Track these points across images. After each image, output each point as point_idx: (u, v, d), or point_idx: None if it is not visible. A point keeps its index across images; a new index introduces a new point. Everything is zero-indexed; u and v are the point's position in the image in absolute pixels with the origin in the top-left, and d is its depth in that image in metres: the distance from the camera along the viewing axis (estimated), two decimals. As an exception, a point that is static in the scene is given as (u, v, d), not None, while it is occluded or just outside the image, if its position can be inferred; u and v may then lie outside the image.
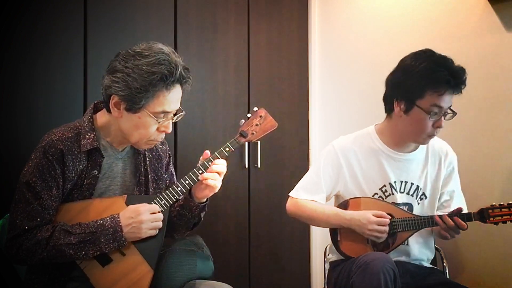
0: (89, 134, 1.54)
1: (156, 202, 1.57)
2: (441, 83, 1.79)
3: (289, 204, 2.05)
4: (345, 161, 2.00)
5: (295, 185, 2.08)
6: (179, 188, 1.58)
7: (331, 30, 3.08)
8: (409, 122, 1.89)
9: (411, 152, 2.00)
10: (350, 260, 1.85)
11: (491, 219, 1.84)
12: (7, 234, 1.50)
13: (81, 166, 1.53)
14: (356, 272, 1.71)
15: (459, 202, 2.02)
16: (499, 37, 2.34)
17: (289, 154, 3.01)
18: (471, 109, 2.41)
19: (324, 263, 2.19)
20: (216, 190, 1.62)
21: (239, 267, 2.80)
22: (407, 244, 1.98)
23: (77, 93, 2.21)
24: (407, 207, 1.98)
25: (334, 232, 1.98)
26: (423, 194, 2.00)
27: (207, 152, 1.62)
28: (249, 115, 1.66)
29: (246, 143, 2.76)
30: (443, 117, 1.84)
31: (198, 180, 1.59)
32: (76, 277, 1.53)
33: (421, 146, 2.02)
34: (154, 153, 1.70)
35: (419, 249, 2.01)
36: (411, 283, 1.88)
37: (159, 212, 1.55)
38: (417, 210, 1.99)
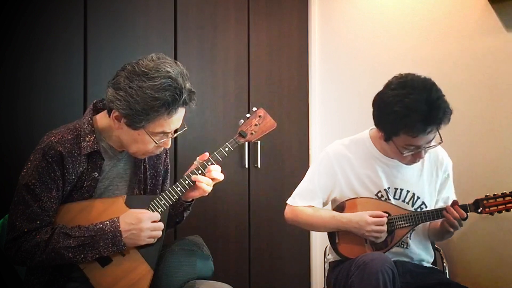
0: (89, 136, 1.53)
1: (156, 202, 1.57)
2: (412, 128, 1.73)
3: (287, 212, 2.06)
4: (340, 167, 2.00)
5: (295, 185, 2.08)
6: (178, 188, 1.58)
7: (331, 30, 3.08)
8: (390, 149, 1.90)
9: None
10: (349, 261, 1.85)
11: (486, 209, 1.87)
12: (6, 235, 1.50)
13: (81, 169, 1.53)
14: (355, 272, 1.71)
15: None
16: (499, 37, 2.34)
17: (289, 154, 3.01)
18: (471, 109, 2.41)
19: (324, 264, 2.19)
20: (206, 194, 1.62)
21: (239, 267, 2.80)
22: (407, 247, 1.99)
23: (77, 93, 2.21)
24: None
25: (332, 235, 1.98)
26: (423, 203, 1.99)
27: (206, 154, 1.62)
28: (248, 115, 1.66)
29: (246, 143, 2.76)
30: (423, 150, 1.82)
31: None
32: (76, 277, 1.54)
33: None
34: None
35: (419, 252, 2.01)
36: (411, 282, 1.88)
37: (159, 221, 1.54)
38: None
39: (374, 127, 2.04)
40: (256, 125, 1.65)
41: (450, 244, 2.39)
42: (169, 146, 1.57)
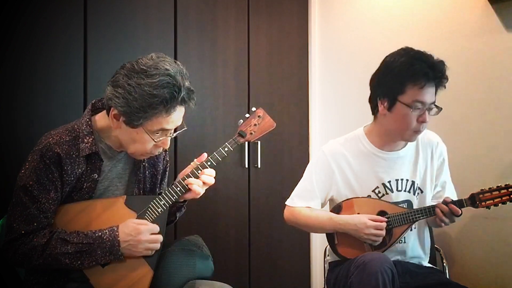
0: (87, 137, 1.52)
1: (156, 202, 1.57)
2: (420, 75, 1.79)
3: (286, 213, 2.07)
4: (336, 165, 2.00)
5: (295, 185, 2.09)
6: (178, 188, 1.58)
7: (331, 30, 3.08)
8: (394, 119, 1.89)
9: (401, 149, 2.00)
10: (348, 261, 1.85)
11: (483, 203, 1.87)
12: (4, 237, 1.50)
13: (79, 170, 1.52)
14: (354, 272, 1.71)
15: (451, 192, 2.04)
16: (499, 37, 2.34)
17: (289, 154, 3.01)
18: (471, 109, 2.41)
19: (324, 264, 2.19)
20: (197, 197, 1.61)
21: (239, 267, 2.80)
22: (404, 242, 1.99)
23: (77, 93, 2.21)
24: (406, 204, 1.98)
25: (331, 236, 1.98)
26: (419, 188, 2.00)
27: (205, 155, 1.62)
28: (247, 115, 1.67)
29: (246, 143, 2.76)
30: (427, 112, 1.85)
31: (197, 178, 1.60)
32: (76, 277, 1.54)
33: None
34: None
35: (415, 247, 2.01)
36: (410, 282, 1.88)
37: (159, 233, 1.54)
38: (416, 206, 1.99)
39: (366, 125, 2.05)
40: (255, 125, 1.66)
41: (450, 244, 2.39)
42: (168, 146, 1.57)
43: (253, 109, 1.68)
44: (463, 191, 2.09)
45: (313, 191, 2.01)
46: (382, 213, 1.93)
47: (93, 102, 1.62)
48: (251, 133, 1.65)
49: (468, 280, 2.30)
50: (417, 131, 1.88)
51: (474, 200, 1.87)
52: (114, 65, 1.54)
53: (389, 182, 1.98)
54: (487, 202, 1.86)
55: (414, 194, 1.99)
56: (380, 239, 1.87)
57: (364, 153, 2.00)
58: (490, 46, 2.37)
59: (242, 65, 2.83)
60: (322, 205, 2.06)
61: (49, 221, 1.51)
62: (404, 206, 1.98)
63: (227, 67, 2.76)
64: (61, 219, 1.53)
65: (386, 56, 1.93)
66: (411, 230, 1.98)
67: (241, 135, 1.64)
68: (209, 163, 1.60)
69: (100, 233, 1.49)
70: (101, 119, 1.58)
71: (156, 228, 1.54)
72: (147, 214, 1.57)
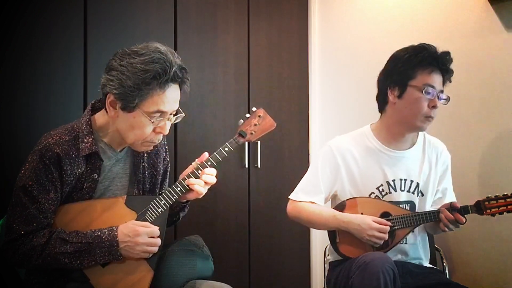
0: (87, 137, 1.52)
1: (156, 202, 1.57)
2: (429, 60, 1.88)
3: (289, 207, 2.06)
4: (343, 161, 2.00)
5: (295, 185, 2.08)
6: (178, 188, 1.58)
7: (331, 30, 3.08)
8: (405, 105, 1.91)
9: (407, 149, 2.01)
10: (349, 260, 1.85)
11: (488, 210, 1.87)
12: (4, 237, 1.50)
13: (79, 170, 1.52)
14: (355, 272, 1.71)
15: (451, 199, 2.03)
16: (499, 37, 2.34)
17: (289, 154, 3.01)
18: (471, 108, 2.41)
19: (324, 264, 2.19)
20: (200, 197, 1.61)
21: (239, 267, 2.80)
22: (406, 243, 1.99)
23: (77, 93, 2.21)
24: (409, 205, 1.98)
25: (333, 233, 1.98)
26: (421, 191, 2.00)
27: (206, 154, 1.62)
28: (247, 115, 1.66)
29: (246, 143, 2.76)
30: (437, 99, 1.89)
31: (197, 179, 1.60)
32: (76, 277, 1.53)
33: (417, 143, 2.02)
34: (152, 148, 1.69)
35: (416, 247, 2.02)
36: (411, 283, 1.88)
37: (158, 237, 1.53)
38: (417, 208, 1.99)
39: (373, 123, 2.05)
40: (255, 125, 1.65)
41: (450, 244, 2.39)
42: (167, 132, 1.55)
43: (254, 109, 1.67)
44: (461, 189, 2.10)
45: (318, 185, 2.00)
46: (385, 214, 1.92)
47: (92, 102, 1.62)
48: (251, 133, 1.65)
49: (468, 280, 2.30)
50: (428, 117, 1.90)
51: (479, 207, 1.87)
52: (114, 65, 1.54)
53: (393, 181, 1.98)
54: (493, 209, 1.87)
55: (416, 196, 1.99)
56: (382, 242, 1.87)
57: (371, 150, 2.00)
58: (490, 46, 2.37)
59: (242, 65, 2.82)
60: (326, 201, 2.05)
61: (48, 222, 1.51)
62: (406, 207, 1.97)
63: (227, 67, 2.76)
64: (61, 219, 1.53)
65: (393, 53, 2.00)
66: (412, 231, 1.98)
67: (242, 135, 1.64)
68: (209, 163, 1.60)
69: (99, 233, 1.49)
70: (100, 117, 1.58)
71: (155, 231, 1.53)
72: (147, 214, 1.56)
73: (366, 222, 1.87)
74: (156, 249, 1.53)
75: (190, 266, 1.61)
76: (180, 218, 1.76)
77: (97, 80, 2.15)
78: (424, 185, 2.01)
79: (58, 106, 2.16)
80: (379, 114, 2.06)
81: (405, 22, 2.71)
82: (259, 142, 2.83)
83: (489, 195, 1.88)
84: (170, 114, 1.53)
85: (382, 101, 2.01)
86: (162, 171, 1.73)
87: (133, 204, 1.56)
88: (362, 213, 1.93)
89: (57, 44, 2.16)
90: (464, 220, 1.85)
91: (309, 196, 2.01)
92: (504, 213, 1.86)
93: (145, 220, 1.56)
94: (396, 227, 1.91)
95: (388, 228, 1.87)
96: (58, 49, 2.16)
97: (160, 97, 1.46)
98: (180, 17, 2.55)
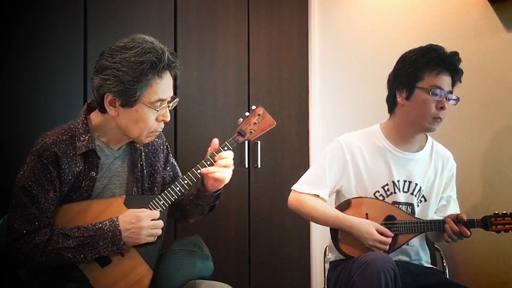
0: (83, 136, 1.52)
1: (155, 202, 1.57)
2: (436, 61, 1.87)
3: (291, 198, 2.04)
4: (351, 156, 2.00)
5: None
6: (177, 188, 1.58)
7: (331, 30, 3.08)
8: (413, 107, 1.91)
9: (416, 152, 2.01)
10: (350, 260, 1.85)
11: (494, 227, 1.87)
12: (5, 238, 1.50)
13: (77, 169, 1.52)
14: (356, 271, 1.71)
15: (454, 207, 2.05)
16: (499, 37, 2.34)
17: (289, 154, 3.01)
18: (471, 109, 2.41)
19: (324, 263, 2.19)
20: (226, 182, 1.62)
21: (239, 267, 2.80)
22: (408, 244, 1.99)
23: (77, 93, 2.21)
24: (410, 207, 1.98)
25: (335, 231, 1.97)
26: (423, 196, 2.00)
27: (215, 141, 1.61)
28: (247, 113, 1.65)
29: (246, 143, 2.76)
30: (445, 99, 1.88)
31: (198, 179, 1.59)
32: (75, 278, 1.53)
33: (425, 147, 2.02)
34: (150, 147, 1.69)
35: (418, 250, 2.02)
36: (411, 283, 1.88)
37: (159, 218, 1.54)
38: (417, 212, 1.99)
39: (382, 122, 2.05)
40: (255, 123, 1.64)
41: (450, 244, 2.38)
42: (168, 118, 1.55)
43: (253, 107, 1.67)
44: (462, 190, 2.10)
45: (324, 178, 1.99)
46: (390, 217, 1.92)
47: (88, 102, 1.62)
48: (251, 132, 1.64)
49: (468, 280, 2.30)
50: (437, 118, 1.90)
51: (486, 223, 1.87)
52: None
53: (398, 181, 1.98)
54: (498, 226, 1.87)
55: (418, 199, 1.99)
56: (382, 251, 1.86)
57: (379, 148, 2.00)
58: (490, 46, 2.37)
59: (242, 65, 2.82)
60: (330, 195, 2.04)
61: (49, 221, 1.51)
62: (407, 209, 1.98)
63: (227, 67, 2.75)
64: (60, 219, 1.53)
65: (402, 54, 2.00)
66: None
67: (241, 134, 1.63)
68: (208, 163, 1.60)
69: (100, 225, 1.49)
70: (95, 116, 1.58)
71: (156, 213, 1.54)
72: (146, 214, 1.56)
73: (370, 232, 1.86)
74: (160, 231, 1.54)
75: (190, 266, 1.61)
76: (216, 206, 1.75)
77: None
78: (427, 191, 2.01)
79: (58, 106, 2.16)
80: (380, 113, 2.06)
81: (405, 22, 2.71)
82: (259, 142, 2.83)
83: (497, 211, 1.88)
84: (168, 101, 1.54)
85: (391, 103, 2.01)
86: (161, 169, 1.73)
87: (132, 203, 1.56)
88: (367, 214, 1.92)
89: (57, 44, 2.16)
90: (469, 234, 1.85)
91: (313, 189, 1.99)
92: (510, 231, 1.87)
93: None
94: (399, 232, 1.90)
95: (389, 240, 1.86)
96: (58, 49, 2.16)
97: (158, 85, 1.48)
98: (180, 17, 2.55)
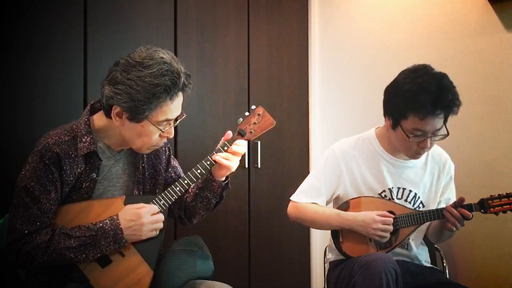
0: (85, 137, 1.52)
1: (155, 202, 1.57)
2: (421, 108, 1.75)
3: (290, 208, 2.05)
4: (346, 165, 2.00)
5: (295, 185, 2.08)
6: (177, 188, 1.58)
7: (331, 30, 3.08)
8: (396, 139, 1.91)
9: (410, 159, 2.00)
10: (351, 260, 1.85)
11: (491, 209, 1.86)
12: (6, 238, 1.50)
13: (78, 170, 1.52)
14: (357, 272, 1.71)
15: None
16: (499, 37, 2.34)
17: (289, 154, 3.01)
18: (471, 109, 2.41)
19: (324, 263, 2.19)
20: (233, 170, 1.63)
21: (239, 267, 2.80)
22: (407, 248, 2.00)
23: (77, 93, 2.21)
24: None
25: (336, 233, 1.97)
26: (421, 202, 2.00)
27: (229, 133, 1.62)
28: (247, 113, 1.65)
29: (246, 143, 2.75)
30: (429, 139, 1.82)
31: (197, 179, 1.59)
32: (75, 278, 1.53)
33: None
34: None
35: (419, 253, 2.02)
36: (411, 282, 1.88)
37: (158, 212, 1.55)
38: None
39: (379, 126, 2.05)
40: (255, 123, 1.64)
41: (450, 244, 2.39)
42: (172, 135, 1.56)
43: (253, 107, 1.67)
44: (462, 190, 2.09)
45: (319, 188, 2.00)
46: (389, 213, 1.92)
47: (91, 103, 1.62)
48: (250, 132, 1.64)
49: (468, 280, 2.30)
50: (419, 154, 1.89)
51: (483, 205, 1.87)
52: (114, 66, 1.54)
53: (392, 188, 1.98)
54: (496, 208, 1.86)
55: (413, 205, 1.99)
56: (387, 235, 1.86)
57: (374, 156, 2.00)
58: (490, 46, 2.37)
59: (242, 65, 2.83)
60: (327, 203, 2.05)
61: (50, 221, 1.51)
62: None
63: (227, 67, 2.76)
64: (61, 219, 1.53)
65: (401, 73, 1.89)
66: (412, 239, 1.98)
67: (241, 133, 1.63)
68: (208, 163, 1.60)
69: (101, 224, 1.49)
70: (99, 119, 1.57)
71: (155, 208, 1.54)
72: (147, 214, 1.56)
73: (370, 216, 1.86)
74: (161, 224, 1.54)
75: (190, 266, 1.61)
76: (223, 198, 1.74)
77: (97, 80, 2.15)
78: (425, 197, 2.00)
79: (58, 106, 2.16)
80: (380, 113, 2.03)
81: (405, 22, 2.71)
82: (259, 142, 2.83)
83: (493, 194, 1.87)
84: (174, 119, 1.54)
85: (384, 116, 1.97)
86: (163, 171, 1.73)
87: (132, 203, 1.56)
88: None
89: (57, 45, 2.16)
90: (471, 216, 1.84)
91: (310, 198, 2.01)
92: (508, 211, 1.86)
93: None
94: (400, 226, 1.90)
95: (391, 219, 1.86)
96: (58, 49, 2.16)
97: (168, 107, 1.48)
98: (180, 17, 2.55)
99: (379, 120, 2.09)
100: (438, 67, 2.50)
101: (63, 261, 1.48)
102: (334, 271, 1.98)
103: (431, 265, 2.08)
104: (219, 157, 1.58)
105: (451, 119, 2.44)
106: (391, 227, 1.86)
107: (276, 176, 2.93)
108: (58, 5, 2.16)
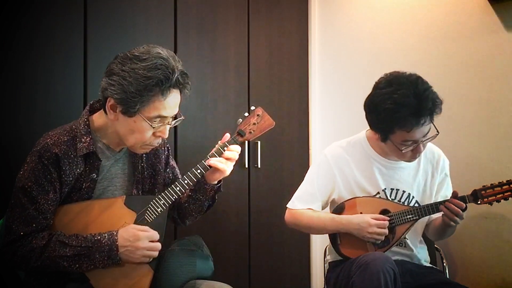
0: (85, 137, 1.52)
1: (156, 202, 1.57)
2: (405, 122, 1.76)
3: (287, 216, 2.07)
4: (338, 170, 2.01)
5: (295, 185, 2.09)
6: (177, 188, 1.58)
7: (331, 30, 3.08)
8: (389, 149, 1.91)
9: (402, 160, 2.00)
10: (350, 260, 1.86)
11: (485, 199, 1.86)
12: (3, 238, 1.50)
13: (78, 170, 1.52)
14: (356, 272, 1.71)
15: None
16: (499, 37, 2.34)
17: (289, 154, 3.01)
18: (471, 109, 2.41)
19: (324, 264, 2.19)
20: (226, 174, 1.62)
21: (239, 267, 2.80)
22: (405, 246, 2.00)
23: (77, 93, 2.21)
24: None
25: (334, 236, 1.98)
26: (416, 202, 2.00)
27: (227, 135, 1.63)
28: (246, 114, 1.66)
29: (246, 143, 2.76)
30: (421, 144, 1.83)
31: (197, 179, 1.59)
32: (75, 278, 1.53)
33: None
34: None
35: (417, 251, 2.02)
36: (411, 282, 1.88)
37: (158, 241, 1.53)
38: None
39: (369, 129, 2.04)
40: (254, 124, 1.65)
41: (450, 244, 2.39)
42: (166, 135, 1.55)
43: (252, 108, 1.67)
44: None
45: (314, 194, 2.02)
46: (384, 211, 1.93)
47: (91, 103, 1.62)
48: (250, 132, 1.65)
49: (468, 280, 2.30)
50: (414, 158, 1.89)
51: (476, 196, 1.86)
52: (114, 65, 1.54)
53: (385, 189, 1.99)
54: (489, 198, 1.86)
55: (407, 206, 1.98)
56: (383, 237, 1.87)
57: (366, 158, 2.01)
58: (490, 46, 2.37)
59: (242, 65, 2.83)
60: (323, 208, 2.06)
61: (48, 222, 1.51)
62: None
63: (227, 67, 2.76)
64: (60, 220, 1.53)
65: (374, 89, 1.87)
66: (407, 239, 1.98)
67: (240, 134, 1.64)
68: (208, 159, 1.61)
69: (99, 237, 1.49)
70: (98, 118, 1.58)
71: (155, 235, 1.53)
72: (146, 214, 1.56)
73: (365, 220, 1.87)
74: (156, 253, 1.53)
75: (190, 266, 1.61)
76: (216, 201, 1.75)
77: (97, 80, 2.15)
78: (419, 196, 2.01)
79: (58, 106, 2.16)
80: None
81: (405, 22, 2.71)
82: (259, 142, 2.83)
83: (485, 184, 1.87)
84: (170, 118, 1.53)
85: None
86: (162, 170, 1.73)
87: (132, 204, 1.56)
88: (361, 213, 1.93)
89: (57, 44, 2.16)
90: (465, 206, 1.83)
91: (306, 204, 2.02)
92: (501, 200, 1.86)
93: (144, 220, 1.56)
94: (396, 224, 1.91)
95: (386, 222, 1.87)
96: (58, 49, 2.16)
97: (161, 103, 1.47)
98: (180, 17, 2.55)
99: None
100: (438, 67, 2.52)
101: (56, 268, 1.48)
102: (333, 272, 1.98)
103: (431, 265, 2.08)
104: (214, 161, 1.58)
105: (452, 118, 2.45)
106: (386, 230, 1.87)
107: (276, 176, 2.93)
108: (58, 5, 2.16)
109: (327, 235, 2.01)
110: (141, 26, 2.42)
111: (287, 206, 2.07)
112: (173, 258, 1.60)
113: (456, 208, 1.83)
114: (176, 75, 1.46)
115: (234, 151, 1.61)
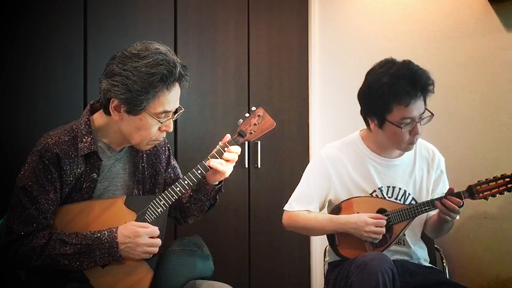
0: (86, 137, 1.52)
1: (156, 202, 1.57)
2: (402, 95, 1.78)
3: (284, 218, 2.07)
4: (334, 170, 2.01)
5: (295, 185, 2.09)
6: (178, 188, 1.58)
7: (331, 30, 3.08)
8: (386, 136, 1.91)
9: (397, 157, 2.01)
10: (348, 261, 1.85)
11: (480, 194, 1.86)
12: (3, 238, 1.50)
13: (79, 170, 1.52)
14: (354, 272, 1.71)
15: None
16: (499, 37, 2.34)
17: (289, 154, 3.01)
18: (471, 109, 2.41)
19: (324, 264, 2.19)
20: (226, 176, 1.63)
21: (239, 267, 2.80)
22: (404, 245, 2.00)
23: (77, 93, 2.21)
24: None
25: (332, 237, 1.98)
26: (413, 199, 2.00)
27: (227, 136, 1.63)
28: (247, 114, 1.66)
29: (246, 143, 2.76)
30: (418, 124, 1.84)
31: (198, 179, 1.59)
32: (75, 278, 1.53)
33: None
34: (151, 149, 1.69)
35: (416, 249, 2.02)
36: (410, 282, 1.88)
37: (158, 237, 1.54)
38: None
39: (363, 128, 2.06)
40: (255, 124, 1.65)
41: (450, 244, 2.39)
42: (171, 129, 1.56)
43: (253, 108, 1.68)
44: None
45: (311, 195, 2.02)
46: (381, 210, 1.93)
47: (91, 103, 1.62)
48: (251, 133, 1.65)
49: (468, 280, 2.30)
50: (412, 143, 1.89)
51: (471, 192, 1.86)
52: (114, 65, 1.54)
53: (381, 188, 1.99)
54: (485, 193, 1.86)
55: (404, 203, 1.99)
56: (380, 236, 1.87)
57: (361, 157, 2.01)
58: (490, 46, 2.37)
59: (242, 65, 2.83)
60: (320, 209, 2.06)
61: (48, 222, 1.51)
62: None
63: (227, 67, 2.76)
64: (61, 219, 1.53)
65: (368, 73, 1.93)
66: (404, 236, 1.98)
67: (241, 134, 1.64)
68: (208, 159, 1.61)
69: (99, 234, 1.49)
70: (99, 118, 1.58)
71: (155, 231, 1.53)
72: (147, 214, 1.57)
73: (362, 219, 1.87)
74: (156, 249, 1.53)
75: (190, 266, 1.62)
76: (217, 201, 1.75)
77: (97, 80, 2.15)
78: (416, 194, 2.01)
79: (58, 106, 2.16)
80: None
81: (405, 22, 2.71)
82: (259, 142, 2.83)
83: (480, 179, 1.87)
84: (173, 112, 1.54)
85: (365, 120, 1.99)
86: (163, 170, 1.73)
87: (133, 204, 1.56)
88: (358, 213, 1.93)
89: (57, 44, 2.16)
90: (462, 203, 1.83)
91: (303, 206, 2.02)
92: (497, 195, 1.85)
93: (145, 220, 1.56)
94: (393, 222, 1.91)
95: (384, 221, 1.87)
96: (58, 49, 2.16)
97: (166, 98, 1.48)
98: (180, 17, 2.55)
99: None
100: (438, 67, 2.52)
101: (57, 267, 1.48)
102: (333, 272, 1.98)
103: (430, 265, 2.08)
104: (214, 162, 1.59)
105: (452, 118, 2.45)
106: (383, 229, 1.86)
107: (276, 176, 2.94)
108: (58, 5, 2.16)
109: (326, 236, 2.01)
110: (141, 26, 2.42)
111: (284, 208, 2.07)
112: (173, 258, 1.61)
113: (452, 204, 1.83)
114: (178, 68, 1.47)
115: (234, 152, 1.61)
